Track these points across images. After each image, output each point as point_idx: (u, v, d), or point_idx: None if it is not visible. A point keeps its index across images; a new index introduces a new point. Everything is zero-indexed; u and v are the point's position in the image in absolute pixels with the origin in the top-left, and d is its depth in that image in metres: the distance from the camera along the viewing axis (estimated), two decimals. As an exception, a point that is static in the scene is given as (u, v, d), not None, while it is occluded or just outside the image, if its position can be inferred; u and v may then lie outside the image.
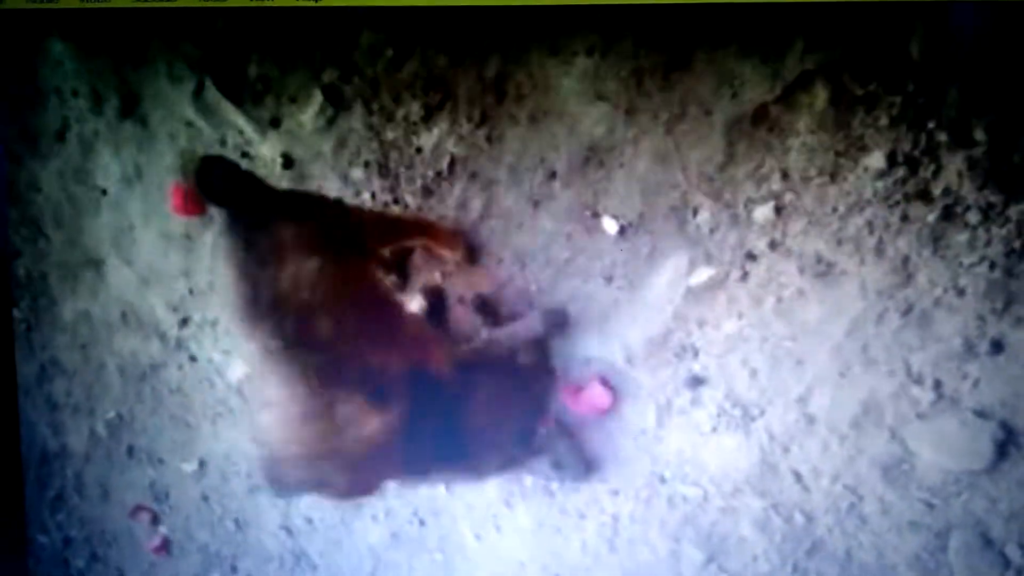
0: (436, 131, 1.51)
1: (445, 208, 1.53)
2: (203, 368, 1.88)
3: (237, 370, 1.84)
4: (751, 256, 1.37)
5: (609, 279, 1.47)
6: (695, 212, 1.39)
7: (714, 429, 1.46)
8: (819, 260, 1.33)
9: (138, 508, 2.08)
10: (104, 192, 1.80)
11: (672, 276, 1.42)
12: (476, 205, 1.52)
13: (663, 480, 1.52)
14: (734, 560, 1.51)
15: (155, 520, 2.06)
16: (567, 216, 1.46)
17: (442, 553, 1.73)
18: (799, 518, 1.45)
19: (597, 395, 1.51)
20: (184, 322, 1.85)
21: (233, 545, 1.91)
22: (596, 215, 1.45)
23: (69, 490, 2.17)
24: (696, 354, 1.44)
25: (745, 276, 1.38)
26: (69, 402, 2.08)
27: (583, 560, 1.63)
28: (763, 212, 1.34)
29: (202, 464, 1.96)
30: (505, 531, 1.67)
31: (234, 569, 1.93)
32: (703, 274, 1.40)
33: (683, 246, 1.40)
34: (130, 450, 2.05)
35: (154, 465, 2.03)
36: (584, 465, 1.56)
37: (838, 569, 1.45)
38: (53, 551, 2.22)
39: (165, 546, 2.06)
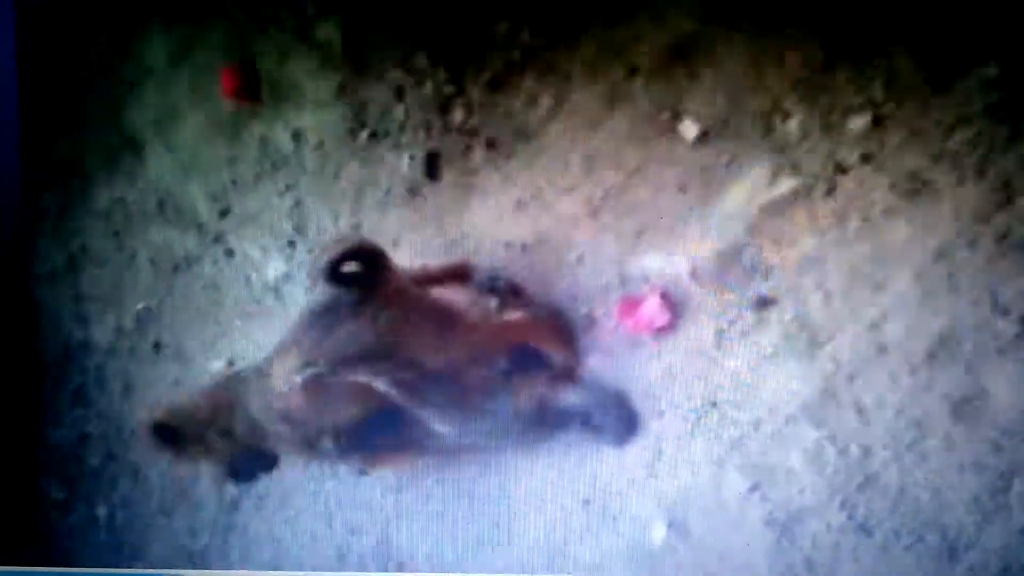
0: (509, 19, 1.43)
1: (512, 103, 1.46)
2: (239, 264, 1.82)
3: (275, 268, 1.78)
4: (840, 169, 1.29)
5: (683, 188, 1.39)
6: (785, 118, 1.30)
7: (776, 354, 1.40)
8: (913, 177, 1.25)
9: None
10: (149, 70, 1.72)
11: (751, 187, 1.34)
12: (546, 102, 1.44)
13: (714, 404, 1.47)
14: (779, 490, 1.46)
15: (177, 419, 2.03)
16: (644, 117, 1.38)
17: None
18: (855, 451, 1.40)
19: (655, 311, 1.44)
20: (224, 214, 1.78)
21: (254, 449, 1.87)
22: (676, 117, 1.37)
23: (89, 384, 2.13)
24: (767, 273, 1.37)
25: (831, 191, 1.30)
26: (96, 293, 2.03)
27: (618, 484, 1.58)
28: (860, 121, 1.26)
29: (230, 364, 1.91)
30: (537, 450, 1.62)
31: (254, 473, 1.90)
32: (785, 186, 1.32)
33: (767, 155, 1.32)
34: (156, 345, 2.00)
35: (180, 362, 1.98)
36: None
37: (889, 504, 1.40)
38: (67, 447, 2.19)
39: (186, 446, 2.03)
